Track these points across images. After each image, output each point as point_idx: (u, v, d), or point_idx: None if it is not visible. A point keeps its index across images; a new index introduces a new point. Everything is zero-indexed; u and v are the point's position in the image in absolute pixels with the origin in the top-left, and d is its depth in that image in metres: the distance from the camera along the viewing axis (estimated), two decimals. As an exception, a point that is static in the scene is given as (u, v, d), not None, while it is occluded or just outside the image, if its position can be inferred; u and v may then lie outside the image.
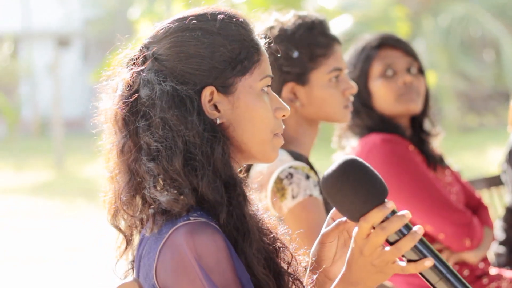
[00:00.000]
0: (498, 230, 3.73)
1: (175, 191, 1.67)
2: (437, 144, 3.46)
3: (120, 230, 1.79)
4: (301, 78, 2.67)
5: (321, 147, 4.28)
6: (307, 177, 2.55)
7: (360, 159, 1.63)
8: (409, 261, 1.61)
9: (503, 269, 3.53)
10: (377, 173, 1.62)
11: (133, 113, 1.72)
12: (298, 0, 13.51)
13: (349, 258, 1.66)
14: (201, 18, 1.76)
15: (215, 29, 1.75)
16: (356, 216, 1.62)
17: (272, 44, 1.95)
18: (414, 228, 1.60)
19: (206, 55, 1.73)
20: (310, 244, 2.35)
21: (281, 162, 2.58)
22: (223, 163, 1.69)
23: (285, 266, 1.75)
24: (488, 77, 20.29)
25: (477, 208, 3.44)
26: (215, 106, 1.73)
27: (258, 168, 2.62)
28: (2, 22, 25.81)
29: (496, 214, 4.02)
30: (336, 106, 2.69)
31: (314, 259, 1.78)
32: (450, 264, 2.52)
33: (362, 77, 3.34)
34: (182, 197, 1.67)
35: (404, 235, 1.60)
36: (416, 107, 3.33)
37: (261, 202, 1.83)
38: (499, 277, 3.36)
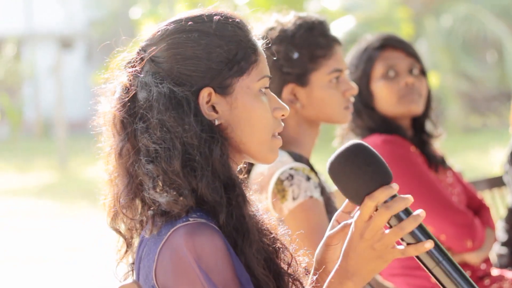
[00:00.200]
0: (500, 231, 3.73)
1: (175, 192, 1.67)
2: (439, 145, 3.46)
3: (120, 233, 1.79)
4: (301, 79, 2.67)
5: (322, 148, 4.27)
6: (308, 178, 2.55)
7: (367, 144, 1.65)
8: (408, 244, 1.61)
9: (505, 270, 3.53)
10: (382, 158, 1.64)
11: (131, 116, 1.72)
12: (300, 1, 13.51)
13: (346, 247, 1.64)
14: (198, 19, 1.76)
15: (212, 30, 1.74)
16: (361, 194, 1.62)
17: (272, 45, 1.95)
18: (416, 212, 1.61)
19: (203, 56, 1.73)
20: (311, 245, 2.35)
21: (281, 163, 2.58)
22: (221, 164, 1.69)
23: (285, 266, 1.75)
24: (491, 78, 20.24)
25: (478, 209, 3.43)
26: (213, 107, 1.73)
27: (259, 170, 2.62)
28: (5, 24, 25.83)
29: (498, 215, 4.02)
30: (337, 107, 2.68)
31: (316, 260, 1.78)
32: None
33: (364, 78, 3.34)
34: (181, 198, 1.67)
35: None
36: (417, 108, 3.33)
37: (261, 203, 1.82)
38: (501, 278, 3.36)
